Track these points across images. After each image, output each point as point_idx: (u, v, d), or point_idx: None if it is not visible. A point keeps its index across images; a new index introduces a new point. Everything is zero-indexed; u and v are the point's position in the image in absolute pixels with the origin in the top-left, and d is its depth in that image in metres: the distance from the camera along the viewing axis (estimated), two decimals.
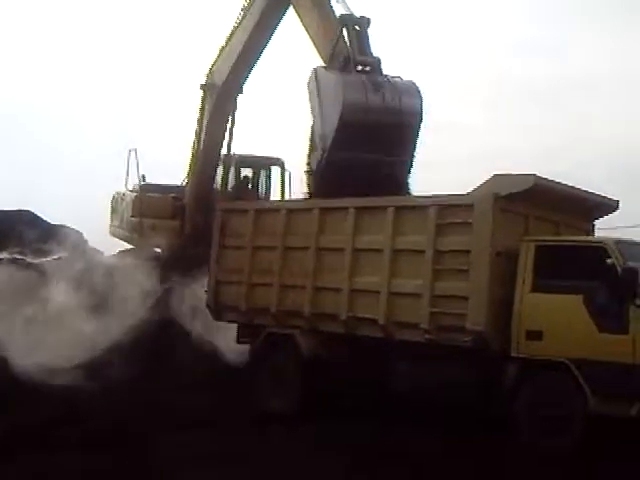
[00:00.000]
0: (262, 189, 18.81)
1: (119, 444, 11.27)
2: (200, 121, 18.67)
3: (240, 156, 18.62)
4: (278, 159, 19.06)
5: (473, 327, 12.02)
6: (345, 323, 13.53)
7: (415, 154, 15.06)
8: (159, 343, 16.46)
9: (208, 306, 15.71)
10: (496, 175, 12.45)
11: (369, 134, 14.33)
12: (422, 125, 14.95)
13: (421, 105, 15.03)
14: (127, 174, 19.17)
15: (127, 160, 19.18)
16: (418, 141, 14.94)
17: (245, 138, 20.28)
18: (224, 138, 18.35)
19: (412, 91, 15.07)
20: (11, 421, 12.22)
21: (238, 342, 15.31)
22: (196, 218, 18.52)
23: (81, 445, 11.12)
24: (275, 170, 19.04)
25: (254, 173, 18.61)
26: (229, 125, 18.36)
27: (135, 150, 19.05)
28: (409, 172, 15.01)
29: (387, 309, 12.99)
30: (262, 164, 18.69)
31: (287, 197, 19.18)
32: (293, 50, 18.66)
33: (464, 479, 10.42)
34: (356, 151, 14.37)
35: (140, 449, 11.18)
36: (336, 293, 13.66)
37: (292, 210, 14.80)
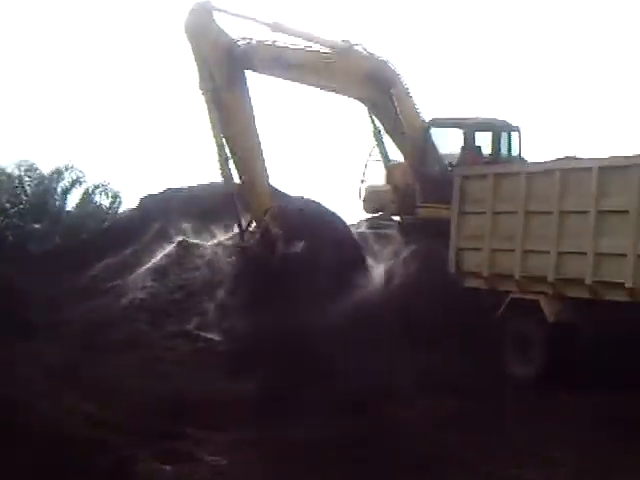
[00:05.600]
0: (501, 153, 18.16)
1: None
2: None
3: (476, 119, 18.13)
4: (508, 123, 18.34)
5: None
6: (590, 288, 13.13)
7: None
8: (407, 307, 16.41)
9: (451, 272, 15.75)
10: None
11: None
12: None
13: None
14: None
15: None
16: None
17: None
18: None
19: None
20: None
21: (481, 309, 15.16)
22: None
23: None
24: (507, 134, 18.31)
25: (493, 137, 18.02)
26: None
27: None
28: None
29: (635, 273, 12.44)
30: (500, 128, 18.08)
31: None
32: None
33: None
34: None
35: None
36: (580, 257, 13.25)
37: (533, 173, 14.49)
